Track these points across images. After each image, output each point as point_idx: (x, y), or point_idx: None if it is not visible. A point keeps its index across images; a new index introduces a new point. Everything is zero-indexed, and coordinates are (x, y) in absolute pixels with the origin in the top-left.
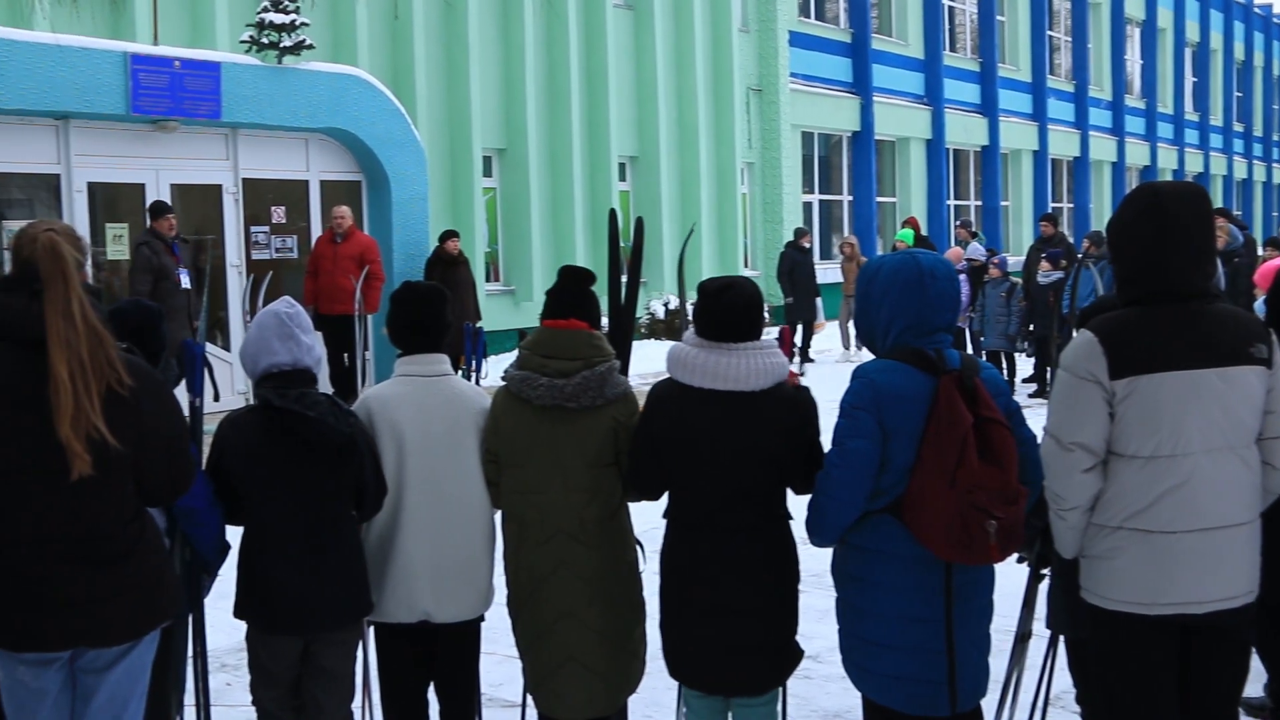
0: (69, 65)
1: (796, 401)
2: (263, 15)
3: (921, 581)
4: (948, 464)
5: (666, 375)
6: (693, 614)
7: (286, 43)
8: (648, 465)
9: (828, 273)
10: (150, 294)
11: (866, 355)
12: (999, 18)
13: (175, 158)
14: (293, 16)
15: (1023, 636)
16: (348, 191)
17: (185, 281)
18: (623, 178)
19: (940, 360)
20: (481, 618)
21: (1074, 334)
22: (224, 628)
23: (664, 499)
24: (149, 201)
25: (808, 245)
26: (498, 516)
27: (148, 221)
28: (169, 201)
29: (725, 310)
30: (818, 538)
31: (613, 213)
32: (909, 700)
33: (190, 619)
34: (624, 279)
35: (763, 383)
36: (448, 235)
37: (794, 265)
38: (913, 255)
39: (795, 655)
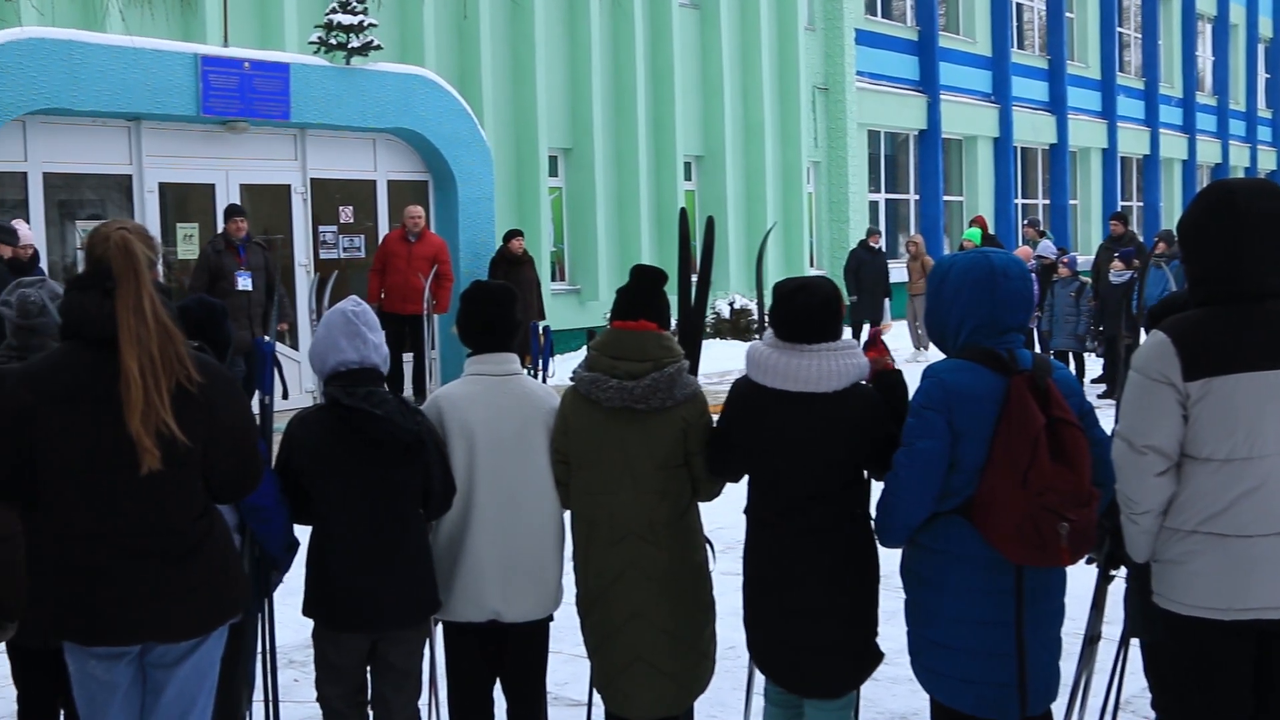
0: (141, 67)
1: (873, 401)
2: (331, 16)
3: (992, 584)
4: (1019, 465)
5: (746, 373)
6: (771, 612)
7: (354, 43)
8: (726, 457)
9: (896, 272)
10: (206, 292)
11: (934, 354)
12: (1068, 14)
13: (245, 158)
14: (361, 17)
15: (1092, 639)
16: (414, 191)
17: (245, 283)
18: (688, 177)
19: (1012, 360)
20: (550, 617)
21: (1141, 334)
22: (291, 625)
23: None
24: (218, 201)
25: (876, 245)
26: (567, 516)
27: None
28: (239, 202)
29: (798, 312)
30: (886, 537)
31: (683, 212)
32: (978, 703)
33: (260, 615)
34: (694, 279)
35: (836, 384)
36: (512, 234)
37: (860, 264)
38: (984, 254)
39: (874, 657)
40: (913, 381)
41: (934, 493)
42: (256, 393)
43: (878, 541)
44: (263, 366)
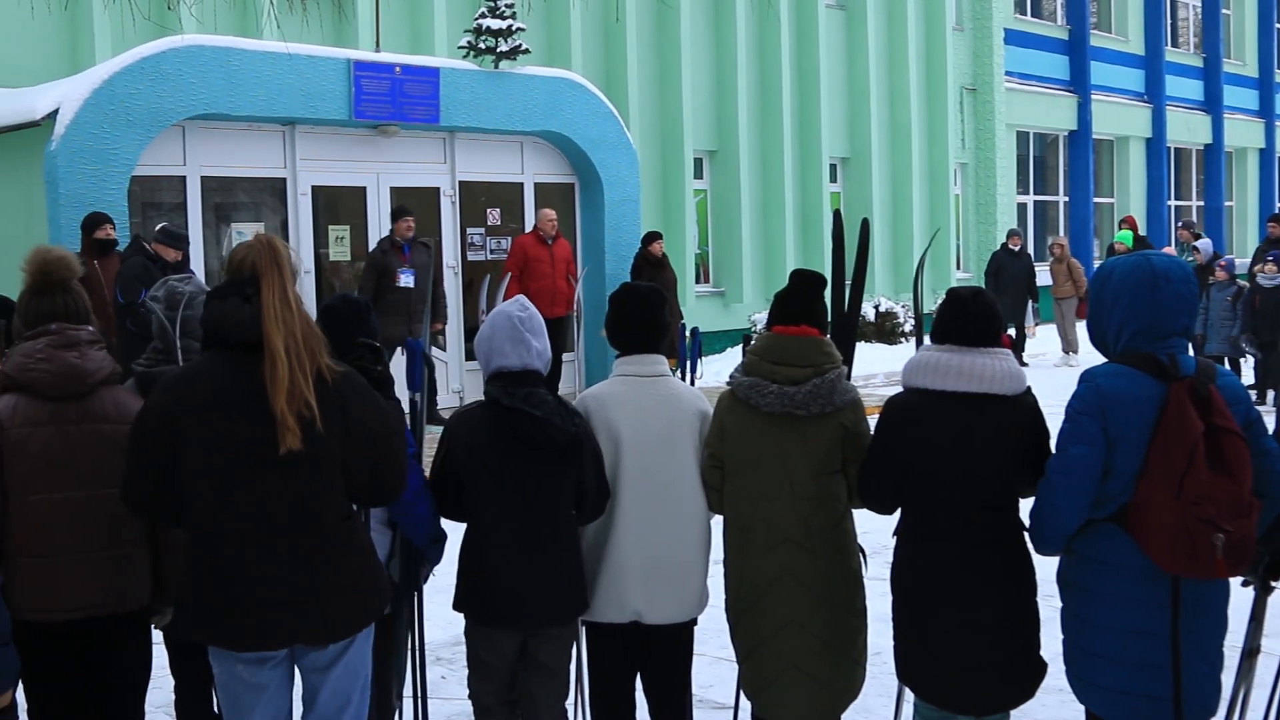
0: (296, 73)
1: (1038, 411)
2: (480, 21)
3: (1148, 594)
4: (1175, 473)
5: (901, 388)
6: (935, 631)
7: (503, 47)
8: (885, 480)
9: (1045, 274)
10: (373, 290)
11: (1084, 359)
12: (1224, 11)
13: (395, 161)
14: (509, 22)
15: (1250, 652)
16: (560, 194)
17: (406, 280)
18: (833, 179)
19: (1173, 366)
20: (694, 621)
21: None
22: (439, 622)
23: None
24: (369, 204)
25: (1015, 247)
26: (714, 521)
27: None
28: (392, 204)
29: (979, 313)
30: (1041, 545)
31: (837, 214)
32: (1131, 715)
33: (409, 609)
34: (847, 282)
35: (1014, 387)
36: (652, 237)
37: (999, 267)
38: (1146, 257)
39: (1040, 670)
40: (1063, 386)
41: (1088, 499)
42: (407, 390)
43: (1033, 548)
44: (412, 364)
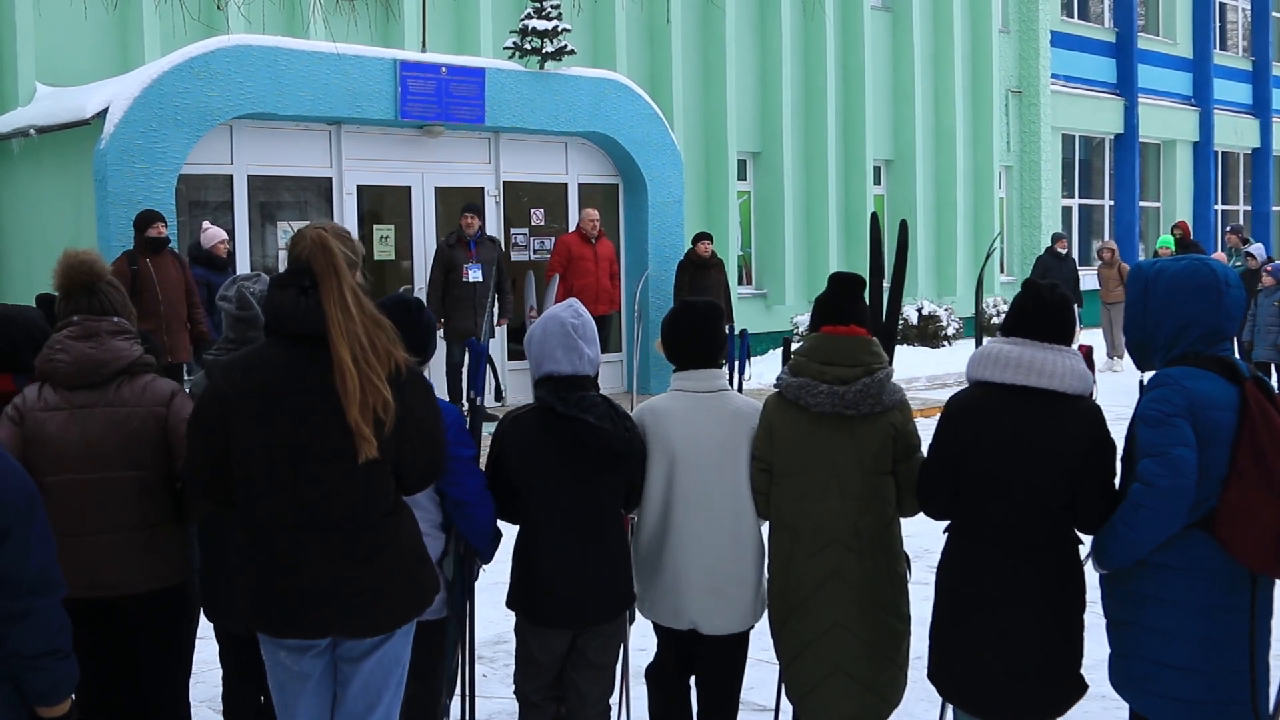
0: (342, 73)
1: (1101, 416)
2: (526, 22)
3: (1228, 601)
4: (1272, 472)
5: (965, 385)
6: (972, 634)
7: (548, 48)
8: (942, 479)
9: (1089, 279)
10: (441, 284)
11: (1129, 365)
12: (1274, 14)
13: (440, 161)
14: (555, 23)
15: None
16: (605, 194)
17: (474, 275)
18: (877, 181)
19: (1238, 368)
20: (750, 628)
21: None
22: (479, 620)
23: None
24: (414, 203)
25: (1063, 251)
26: (764, 526)
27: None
28: (435, 204)
29: (1053, 305)
30: (1118, 559)
31: (874, 216)
32: None
33: (462, 610)
34: (885, 284)
35: (1078, 386)
36: (699, 237)
37: (1046, 270)
38: (1204, 261)
39: (1079, 687)
40: (1108, 391)
41: (1190, 504)
42: (469, 391)
43: (1098, 562)
44: (476, 366)
